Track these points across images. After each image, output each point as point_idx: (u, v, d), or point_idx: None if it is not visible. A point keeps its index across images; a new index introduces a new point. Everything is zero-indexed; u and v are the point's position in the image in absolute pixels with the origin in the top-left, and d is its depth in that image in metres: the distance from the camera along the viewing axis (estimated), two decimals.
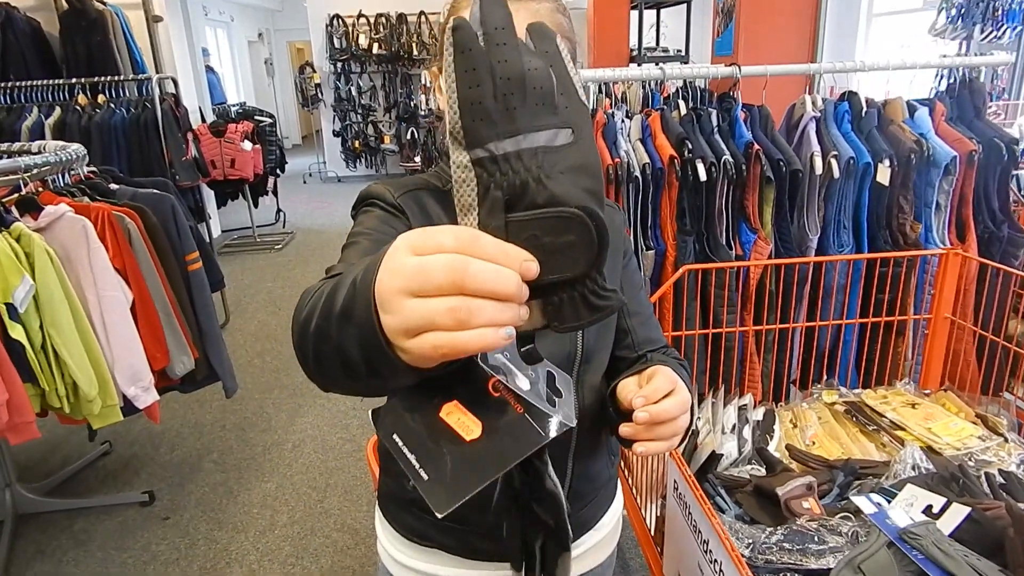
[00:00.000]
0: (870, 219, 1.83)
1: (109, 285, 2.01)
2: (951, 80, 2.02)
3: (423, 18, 8.48)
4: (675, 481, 1.15)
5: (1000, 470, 1.30)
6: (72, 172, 2.24)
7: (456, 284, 0.39)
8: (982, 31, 5.23)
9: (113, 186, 2.30)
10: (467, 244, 0.40)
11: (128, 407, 2.13)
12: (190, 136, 4.35)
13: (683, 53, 5.91)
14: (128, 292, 2.08)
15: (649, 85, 2.39)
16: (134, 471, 2.75)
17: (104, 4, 4.74)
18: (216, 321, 2.42)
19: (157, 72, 4.85)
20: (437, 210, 0.85)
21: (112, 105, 4.11)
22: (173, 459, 2.82)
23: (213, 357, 2.38)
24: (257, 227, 6.23)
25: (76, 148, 2.24)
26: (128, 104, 4.16)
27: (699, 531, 1.03)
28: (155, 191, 2.32)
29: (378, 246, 0.67)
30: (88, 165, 2.35)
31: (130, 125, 4.03)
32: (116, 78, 4.22)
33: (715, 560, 1.01)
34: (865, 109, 1.84)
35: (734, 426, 1.54)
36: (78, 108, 4.06)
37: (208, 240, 4.52)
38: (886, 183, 1.76)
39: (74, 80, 4.14)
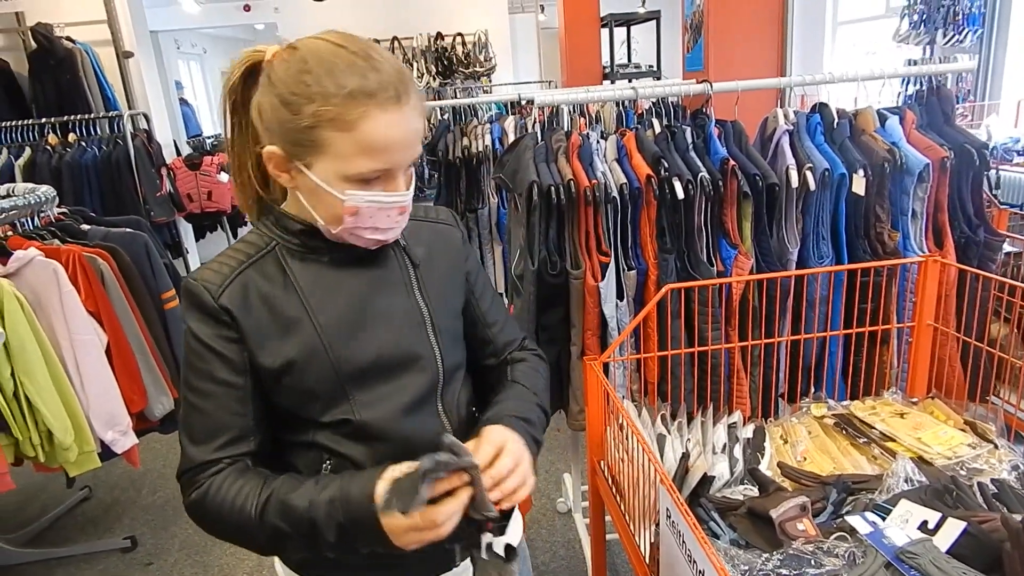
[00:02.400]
0: (848, 229, 1.83)
1: (82, 329, 1.97)
2: (919, 86, 2.04)
3: (396, 43, 8.51)
4: (667, 508, 1.13)
5: (992, 479, 1.29)
6: (41, 214, 2.19)
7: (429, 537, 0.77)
8: (944, 35, 5.35)
9: (84, 227, 2.26)
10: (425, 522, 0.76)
11: (106, 452, 2.08)
12: (164, 171, 4.30)
13: (655, 68, 5.98)
14: (102, 335, 2.04)
15: (623, 103, 2.40)
16: (115, 516, 2.68)
17: (73, 42, 4.70)
18: None
19: (129, 108, 4.82)
20: (260, 288, 0.86)
21: (83, 143, 4.07)
22: (156, 502, 2.75)
23: None
24: None
25: (45, 190, 2.20)
26: (100, 142, 4.11)
27: (694, 560, 1.01)
28: (128, 230, 2.28)
29: (224, 394, 0.85)
30: (59, 206, 2.31)
31: (102, 163, 3.98)
32: (87, 116, 4.17)
33: None
34: (837, 120, 1.85)
35: (724, 445, 1.52)
36: (48, 148, 4.01)
37: (186, 275, 4.46)
38: (862, 193, 1.76)
39: (44, 120, 4.09)
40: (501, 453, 0.84)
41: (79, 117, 4.12)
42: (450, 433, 0.89)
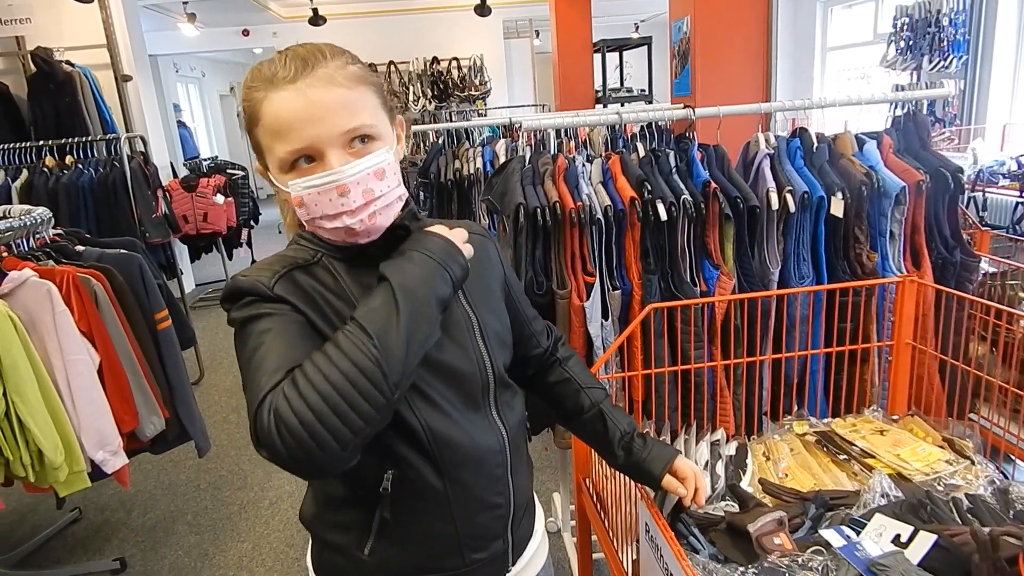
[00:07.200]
0: (828, 250, 1.87)
1: (75, 349, 1.98)
2: (903, 110, 2.10)
3: (392, 67, 8.63)
4: (646, 524, 1.15)
5: (967, 494, 1.31)
6: (37, 236, 2.22)
7: None
8: (930, 61, 5.46)
9: (79, 248, 2.28)
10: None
11: (96, 472, 2.08)
12: (160, 193, 4.34)
13: (647, 92, 6.07)
14: (95, 355, 2.05)
15: (613, 127, 2.45)
16: (105, 537, 2.67)
17: (72, 66, 4.77)
18: (187, 379, 2.39)
19: (127, 130, 4.88)
20: (314, 286, 0.85)
21: (80, 166, 4.11)
22: (146, 523, 2.75)
23: (184, 416, 2.34)
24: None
25: (41, 211, 2.23)
26: (97, 164, 4.16)
27: (671, 574, 1.03)
28: (122, 251, 2.31)
29: (298, 335, 0.79)
30: (55, 227, 2.34)
31: (98, 185, 4.02)
32: (85, 139, 4.22)
33: None
34: (816, 144, 1.90)
35: (707, 462, 1.55)
36: (46, 170, 4.05)
37: (180, 296, 4.48)
38: (840, 215, 1.81)
39: (42, 142, 4.13)
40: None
41: (77, 140, 4.17)
42: (505, 435, 0.97)
